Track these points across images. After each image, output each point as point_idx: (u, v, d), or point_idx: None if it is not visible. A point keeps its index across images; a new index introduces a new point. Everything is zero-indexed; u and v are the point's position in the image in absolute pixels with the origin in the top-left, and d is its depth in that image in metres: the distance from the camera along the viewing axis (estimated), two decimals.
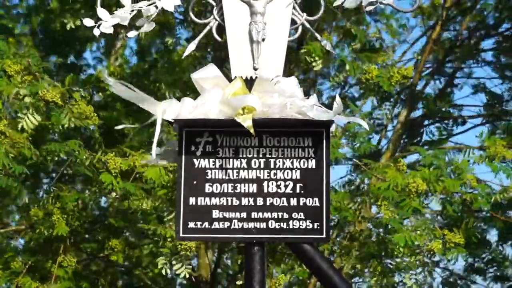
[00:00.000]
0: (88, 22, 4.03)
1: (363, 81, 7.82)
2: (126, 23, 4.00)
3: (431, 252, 7.37)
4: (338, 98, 3.90)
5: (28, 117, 6.80)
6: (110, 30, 4.00)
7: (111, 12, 4.03)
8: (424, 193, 7.18)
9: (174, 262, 7.07)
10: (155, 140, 3.91)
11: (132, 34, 4.05)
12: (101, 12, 4.00)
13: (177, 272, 7.10)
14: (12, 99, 6.83)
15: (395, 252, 7.61)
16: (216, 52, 8.75)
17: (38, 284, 7.59)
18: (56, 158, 7.59)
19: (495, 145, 7.46)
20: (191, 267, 7.43)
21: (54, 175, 8.51)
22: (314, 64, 7.99)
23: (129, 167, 7.17)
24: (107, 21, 3.99)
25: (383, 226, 7.71)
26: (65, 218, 7.34)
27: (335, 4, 4.07)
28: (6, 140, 6.68)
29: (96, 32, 3.99)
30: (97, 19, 4.03)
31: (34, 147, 6.96)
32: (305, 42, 8.19)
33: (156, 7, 4.00)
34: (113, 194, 7.61)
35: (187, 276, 7.27)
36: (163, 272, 7.17)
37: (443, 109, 10.35)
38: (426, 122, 10.84)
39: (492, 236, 9.03)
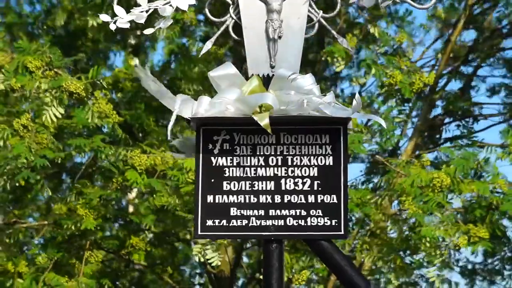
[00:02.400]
0: (104, 17, 3.99)
1: (386, 85, 7.77)
2: (142, 21, 3.95)
3: (457, 247, 7.37)
4: (357, 96, 3.83)
5: (51, 109, 6.83)
6: (127, 25, 3.94)
7: (127, 11, 3.98)
8: (448, 189, 7.14)
9: (208, 251, 7.08)
10: (170, 124, 3.81)
11: (149, 31, 3.98)
12: (117, 9, 3.95)
13: (209, 261, 7.11)
14: (33, 94, 6.89)
15: (421, 247, 7.57)
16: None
17: (66, 279, 7.58)
18: (81, 154, 7.64)
19: None
20: (222, 256, 7.44)
21: (70, 174, 8.56)
22: (337, 65, 7.96)
23: (150, 165, 7.20)
24: (123, 18, 3.94)
25: (407, 221, 7.67)
26: (91, 212, 7.38)
27: (351, 1, 4.04)
28: (29, 134, 6.76)
29: (112, 27, 3.94)
30: (114, 16, 3.98)
31: (57, 142, 7.01)
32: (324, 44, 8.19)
33: (171, 6, 3.93)
34: (132, 192, 7.61)
35: (219, 264, 7.27)
36: (197, 259, 7.20)
37: (464, 107, 10.28)
38: (446, 120, 10.80)
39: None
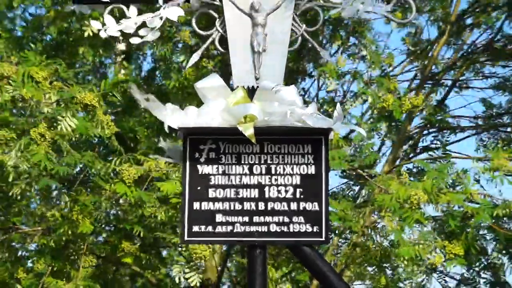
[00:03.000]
0: (95, 24, 4.10)
1: (379, 109, 8.02)
2: (131, 31, 4.03)
3: (433, 266, 7.55)
4: (338, 107, 3.93)
5: (66, 120, 6.93)
6: (117, 34, 4.05)
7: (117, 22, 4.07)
8: (426, 202, 7.33)
9: (187, 270, 7.22)
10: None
11: (136, 40, 4.07)
12: (107, 18, 4.06)
13: (189, 280, 7.23)
14: (43, 103, 7.03)
15: (399, 264, 7.76)
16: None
17: (64, 283, 7.72)
18: (73, 169, 7.79)
19: (498, 157, 7.56)
20: (202, 275, 7.56)
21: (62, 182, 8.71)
22: (328, 84, 8.23)
23: (144, 172, 7.34)
24: (112, 26, 4.04)
25: (386, 236, 7.85)
26: (87, 217, 7.48)
27: (331, 13, 4.17)
28: (46, 143, 6.91)
29: (103, 34, 4.05)
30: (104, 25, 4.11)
31: (74, 152, 7.18)
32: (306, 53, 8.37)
33: (161, 18, 4.02)
34: (121, 200, 7.72)
35: (198, 284, 7.41)
36: (177, 280, 7.30)
37: (441, 120, 10.52)
38: (425, 132, 11.01)
39: (489, 242, 9.01)
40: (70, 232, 7.55)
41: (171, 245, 8.36)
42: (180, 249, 7.87)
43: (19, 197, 7.58)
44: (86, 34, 7.81)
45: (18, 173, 7.15)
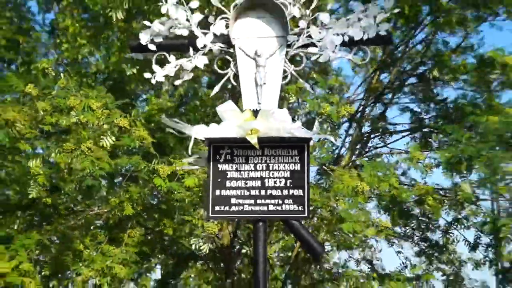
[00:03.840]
0: (147, 75, 4.78)
1: (320, 114, 9.98)
2: (172, 74, 4.72)
3: (366, 236, 9.09)
4: (316, 123, 4.60)
5: (107, 138, 8.33)
6: (162, 79, 4.78)
7: (162, 66, 4.74)
8: (368, 190, 8.68)
9: (201, 241, 8.88)
10: (190, 144, 4.69)
11: (178, 82, 4.77)
12: (155, 67, 4.73)
13: (200, 248, 8.66)
14: (95, 126, 8.30)
15: (345, 233, 9.11)
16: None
17: (114, 248, 9.16)
18: (125, 168, 9.68)
19: (415, 151, 9.03)
20: (211, 245, 9.33)
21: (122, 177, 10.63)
22: (290, 98, 10.15)
23: (174, 170, 8.58)
24: (159, 73, 4.81)
25: (339, 214, 9.48)
26: (131, 204, 8.89)
27: (312, 58, 5.41)
28: (92, 154, 8.12)
29: (153, 81, 4.75)
30: (152, 71, 4.84)
31: (111, 159, 8.78)
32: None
33: (191, 62, 4.81)
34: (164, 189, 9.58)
35: (207, 251, 8.79)
36: (193, 247, 8.77)
37: (383, 127, 12.23)
38: (372, 135, 12.73)
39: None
40: (119, 214, 8.98)
41: (192, 224, 10.27)
42: (197, 225, 9.77)
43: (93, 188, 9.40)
44: (128, 73, 9.73)
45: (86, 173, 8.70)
